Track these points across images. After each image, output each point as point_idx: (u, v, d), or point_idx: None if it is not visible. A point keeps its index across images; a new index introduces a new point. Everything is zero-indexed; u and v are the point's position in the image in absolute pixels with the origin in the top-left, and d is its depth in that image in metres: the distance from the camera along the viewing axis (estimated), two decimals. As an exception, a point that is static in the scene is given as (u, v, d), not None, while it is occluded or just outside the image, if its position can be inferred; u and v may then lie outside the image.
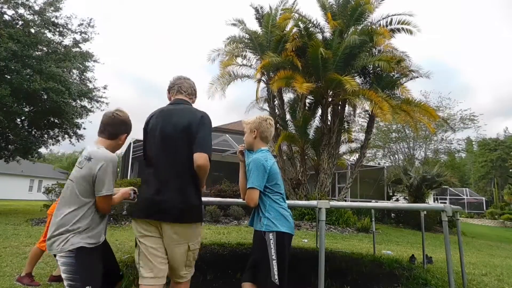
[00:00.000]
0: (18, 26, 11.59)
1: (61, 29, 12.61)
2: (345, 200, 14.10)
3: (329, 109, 11.59)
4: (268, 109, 12.55)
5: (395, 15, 10.86)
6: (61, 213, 1.90)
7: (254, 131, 2.31)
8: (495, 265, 6.14)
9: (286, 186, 11.30)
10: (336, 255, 5.59)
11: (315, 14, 17.59)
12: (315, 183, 11.48)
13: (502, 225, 21.53)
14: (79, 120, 13.30)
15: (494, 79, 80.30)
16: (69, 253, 1.84)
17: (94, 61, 13.71)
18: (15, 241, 5.87)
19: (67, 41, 13.04)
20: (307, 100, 11.81)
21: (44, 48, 12.04)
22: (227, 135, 15.78)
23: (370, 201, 15.31)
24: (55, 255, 1.91)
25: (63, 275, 1.82)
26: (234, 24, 12.38)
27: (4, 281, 3.49)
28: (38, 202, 20.99)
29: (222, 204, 9.95)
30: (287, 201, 2.37)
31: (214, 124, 2.33)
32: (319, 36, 11.26)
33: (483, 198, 30.63)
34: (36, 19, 11.93)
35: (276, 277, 2.05)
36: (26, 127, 12.70)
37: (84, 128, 13.68)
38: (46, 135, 13.28)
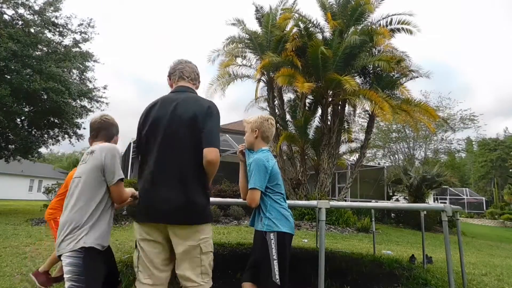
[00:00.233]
0: (18, 26, 11.59)
1: (61, 29, 12.61)
2: (345, 200, 14.10)
3: (329, 109, 11.60)
4: (268, 109, 12.56)
5: (395, 15, 10.87)
6: (71, 212, 1.90)
7: (256, 130, 2.31)
8: (495, 265, 6.14)
9: (286, 186, 11.30)
10: (336, 255, 5.59)
11: (315, 14, 17.62)
12: (315, 183, 11.48)
13: (502, 225, 21.53)
14: (79, 120, 13.31)
15: (494, 79, 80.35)
16: (77, 253, 1.82)
17: (94, 61, 13.72)
18: (15, 241, 5.87)
19: (67, 41, 13.05)
20: (307, 100, 11.82)
21: (44, 48, 12.04)
22: (227, 135, 15.77)
23: (370, 201, 15.31)
24: (60, 257, 1.88)
25: (67, 276, 1.80)
26: (234, 24, 12.40)
27: (4, 281, 3.49)
28: (38, 202, 21.00)
29: (222, 204, 9.95)
30: (287, 201, 2.37)
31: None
32: (319, 36, 11.27)
33: (483, 198, 30.63)
34: (36, 19, 11.93)
35: (277, 277, 2.05)
36: (26, 127, 12.71)
37: (84, 128, 13.69)
38: (46, 135, 13.29)
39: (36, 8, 11.87)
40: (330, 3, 11.41)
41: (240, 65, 12.69)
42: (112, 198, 1.99)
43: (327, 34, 11.36)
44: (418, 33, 10.80)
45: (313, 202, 2.68)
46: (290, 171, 12.36)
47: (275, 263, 2.07)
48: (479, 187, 41.10)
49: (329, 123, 11.40)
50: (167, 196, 1.75)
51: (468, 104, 77.95)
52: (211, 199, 2.08)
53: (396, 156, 27.75)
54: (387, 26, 11.02)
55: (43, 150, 14.06)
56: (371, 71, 11.48)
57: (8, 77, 10.77)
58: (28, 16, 11.89)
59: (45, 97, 11.40)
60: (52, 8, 12.12)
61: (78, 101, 13.04)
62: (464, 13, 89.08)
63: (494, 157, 38.80)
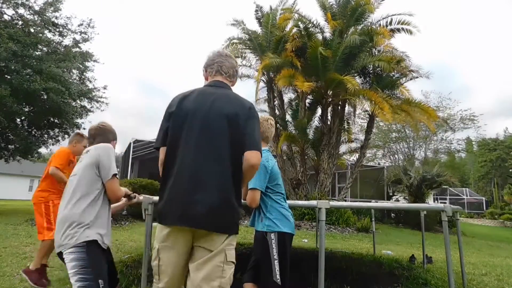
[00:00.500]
0: (18, 26, 11.59)
1: (61, 29, 12.62)
2: (345, 200, 14.10)
3: (329, 109, 11.61)
4: (268, 109, 12.57)
5: (395, 15, 10.88)
6: (66, 209, 1.92)
7: None
8: (495, 265, 6.14)
9: (286, 186, 11.30)
10: (336, 255, 5.59)
11: (315, 14, 17.61)
12: (315, 183, 11.48)
13: (502, 225, 21.52)
14: (79, 120, 13.30)
15: (495, 80, 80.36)
16: (79, 248, 1.82)
17: (94, 61, 13.73)
18: (15, 241, 5.87)
19: (67, 41, 13.05)
20: (307, 100, 11.82)
21: (44, 48, 12.04)
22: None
23: (370, 201, 15.31)
24: (61, 255, 1.88)
25: (73, 271, 1.79)
26: (233, 24, 12.42)
27: (4, 281, 3.49)
28: (38, 202, 20.94)
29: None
30: (287, 201, 2.37)
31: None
32: (319, 36, 11.27)
33: (483, 198, 30.63)
34: (36, 19, 11.94)
35: (278, 277, 2.06)
36: (26, 127, 12.71)
37: (84, 128, 13.67)
38: (46, 135, 13.29)
39: (36, 8, 11.88)
40: (330, 3, 11.42)
41: (240, 65, 12.71)
42: (107, 195, 2.02)
43: (327, 34, 11.37)
44: (419, 33, 10.83)
45: (313, 202, 2.69)
46: (290, 171, 12.37)
47: (276, 263, 2.08)
48: (479, 187, 41.10)
49: (329, 123, 11.41)
50: (203, 197, 1.53)
51: (468, 104, 78.01)
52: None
53: (396, 156, 27.79)
54: (387, 26, 11.03)
55: (43, 150, 14.08)
56: (371, 71, 11.49)
57: (8, 77, 10.77)
58: (28, 16, 11.89)
59: (45, 97, 11.40)
60: (52, 8, 12.12)
61: (78, 101, 13.04)
62: (464, 13, 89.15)
63: (494, 157, 38.78)
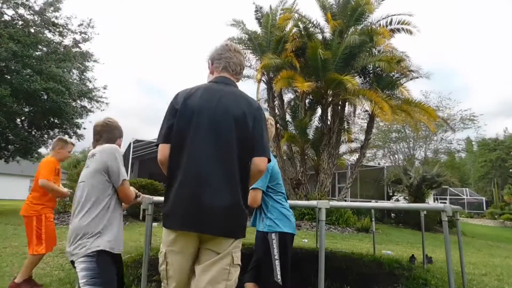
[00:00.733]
0: (18, 26, 11.59)
1: (61, 29, 12.63)
2: (345, 200, 14.10)
3: (329, 109, 11.61)
4: (268, 109, 12.57)
5: (395, 15, 10.88)
6: (77, 218, 1.90)
7: None
8: (495, 265, 6.14)
9: (286, 186, 11.30)
10: (336, 255, 5.59)
11: (315, 14, 17.63)
12: (315, 183, 11.48)
13: (502, 225, 21.52)
14: (79, 120, 13.33)
15: (495, 80, 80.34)
16: (90, 258, 1.81)
17: (94, 61, 13.75)
18: (15, 241, 5.87)
19: (67, 41, 13.07)
20: (307, 100, 11.82)
21: (44, 48, 12.05)
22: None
23: (370, 201, 15.31)
24: (73, 263, 1.88)
25: (83, 280, 1.79)
26: (233, 25, 12.41)
27: (4, 281, 3.49)
28: (38, 202, 20.93)
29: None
30: (288, 201, 2.38)
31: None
32: (319, 36, 11.28)
33: (483, 198, 30.61)
34: (36, 19, 11.95)
35: (279, 277, 2.06)
36: (26, 127, 12.72)
37: (84, 128, 13.71)
38: (46, 135, 13.30)
39: (36, 8, 11.90)
40: (330, 3, 11.42)
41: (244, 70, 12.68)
42: (120, 198, 2.02)
43: (327, 34, 11.37)
44: (419, 33, 10.84)
45: (313, 202, 2.69)
46: (290, 171, 12.37)
47: (277, 263, 2.08)
48: (479, 187, 41.09)
49: (329, 123, 11.41)
50: (211, 201, 1.47)
51: (468, 105, 78.00)
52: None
53: (396, 156, 27.78)
54: (387, 26, 11.03)
55: (43, 150, 14.09)
56: (371, 71, 11.49)
57: (8, 77, 10.79)
58: (28, 16, 11.91)
59: (45, 97, 11.41)
60: (52, 8, 12.14)
61: (78, 101, 13.06)
62: (464, 13, 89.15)
63: (494, 157, 38.78)
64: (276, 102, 12.49)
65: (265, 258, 2.13)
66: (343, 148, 13.05)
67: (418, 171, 14.93)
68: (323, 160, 11.19)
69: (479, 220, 23.92)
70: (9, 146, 12.59)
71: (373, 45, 10.65)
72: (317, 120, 11.91)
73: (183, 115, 1.59)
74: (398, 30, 11.10)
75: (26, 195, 3.34)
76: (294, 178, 11.71)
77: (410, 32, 10.93)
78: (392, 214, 14.31)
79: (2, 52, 10.00)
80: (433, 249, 7.64)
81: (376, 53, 10.90)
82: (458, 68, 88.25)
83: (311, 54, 10.04)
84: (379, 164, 24.67)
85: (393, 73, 11.17)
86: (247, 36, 12.20)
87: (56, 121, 12.78)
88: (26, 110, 12.03)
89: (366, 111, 12.13)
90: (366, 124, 13.01)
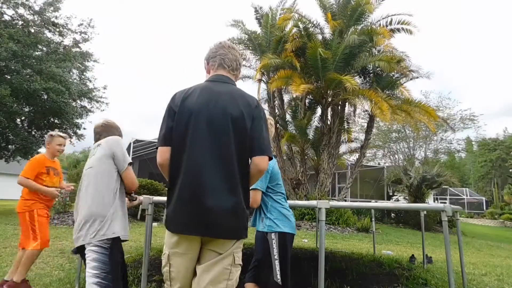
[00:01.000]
0: (18, 26, 11.59)
1: (61, 29, 12.63)
2: (345, 200, 14.10)
3: (329, 109, 11.61)
4: (268, 109, 12.57)
5: (395, 15, 10.88)
6: (89, 203, 1.96)
7: None
8: (495, 265, 6.14)
9: (286, 186, 11.30)
10: (336, 255, 5.59)
11: (315, 14, 17.62)
12: (315, 183, 11.49)
13: (502, 225, 21.52)
14: (79, 120, 13.32)
15: (495, 80, 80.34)
16: (104, 249, 1.85)
17: (94, 61, 13.74)
18: (15, 241, 5.87)
19: (67, 41, 13.07)
20: (307, 100, 11.82)
21: (44, 48, 12.05)
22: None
23: (370, 201, 15.32)
24: (80, 251, 1.89)
25: (93, 272, 1.80)
26: (233, 25, 12.41)
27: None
28: (38, 202, 20.92)
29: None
30: (287, 201, 2.38)
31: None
32: (319, 36, 11.27)
33: (483, 198, 30.62)
34: (36, 19, 11.95)
35: (278, 277, 2.06)
36: (26, 127, 12.71)
37: (84, 128, 13.70)
38: (46, 135, 13.28)
39: (36, 8, 11.89)
40: (330, 3, 11.42)
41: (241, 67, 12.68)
42: (125, 185, 2.09)
43: (327, 35, 11.37)
44: (419, 33, 10.90)
45: (313, 202, 2.68)
46: (290, 171, 12.37)
47: (277, 263, 2.08)
48: (479, 187, 41.10)
49: (329, 123, 11.41)
50: (214, 204, 1.47)
51: (468, 104, 78.02)
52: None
53: (396, 156, 27.78)
54: (387, 26, 11.03)
55: (43, 150, 14.07)
56: (371, 71, 11.50)
57: (8, 77, 10.78)
58: (28, 16, 11.90)
59: (45, 97, 11.41)
60: (52, 8, 12.13)
61: (78, 101, 13.05)
62: (465, 13, 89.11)
63: (494, 157, 38.79)
64: (276, 102, 12.50)
65: (265, 258, 2.13)
66: (343, 148, 13.07)
67: (418, 171, 14.93)
68: (323, 160, 11.19)
69: (479, 220, 23.92)
70: (9, 146, 12.59)
71: (373, 45, 10.65)
72: (317, 120, 11.91)
73: (181, 117, 1.58)
74: (398, 30, 11.10)
75: (23, 193, 3.28)
76: (294, 178, 11.71)
77: (410, 32, 10.93)
78: (392, 214, 14.31)
79: (2, 52, 9.99)
80: (433, 249, 7.64)
81: (376, 53, 10.91)
82: (458, 68, 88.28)
83: (311, 54, 10.04)
84: (379, 164, 24.68)
85: (393, 73, 11.17)
86: (246, 36, 12.21)
87: (56, 121, 12.78)
88: (26, 110, 12.03)
89: (366, 111, 12.14)
90: (366, 124, 13.02)
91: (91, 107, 13.79)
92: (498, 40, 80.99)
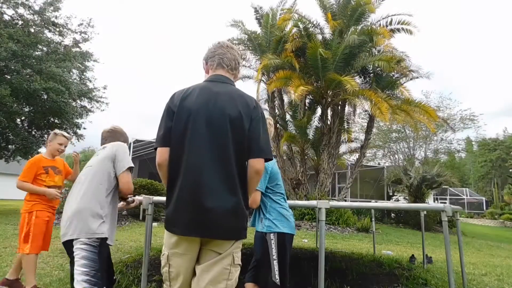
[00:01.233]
0: (18, 26, 11.59)
1: (61, 29, 12.62)
2: (345, 200, 14.10)
3: (329, 109, 11.61)
4: (268, 109, 12.57)
5: (395, 15, 10.89)
6: (82, 199, 1.99)
7: None
8: (495, 265, 6.14)
9: (286, 186, 11.30)
10: (336, 255, 5.59)
11: (315, 14, 17.62)
12: (315, 183, 11.48)
13: (502, 225, 21.52)
14: (79, 120, 13.30)
15: (496, 79, 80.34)
16: (93, 247, 1.89)
17: (94, 61, 13.74)
18: (15, 241, 5.86)
19: (67, 41, 13.06)
20: (307, 100, 11.82)
21: (44, 48, 12.05)
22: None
23: (370, 201, 15.31)
24: (66, 247, 1.92)
25: (82, 269, 1.83)
26: (233, 25, 12.42)
27: (4, 281, 3.48)
28: (38, 202, 20.90)
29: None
30: (287, 201, 2.38)
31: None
32: (319, 37, 11.27)
33: (483, 198, 30.61)
34: (36, 19, 11.94)
35: (277, 277, 2.06)
36: (26, 127, 12.71)
37: (84, 128, 13.70)
38: (46, 135, 13.28)
39: (36, 8, 11.89)
40: (330, 3, 11.42)
41: (241, 66, 12.66)
42: (120, 187, 2.10)
43: (327, 35, 11.37)
44: (420, 33, 10.90)
45: (313, 202, 2.68)
46: (290, 171, 12.37)
47: (275, 263, 2.08)
48: (479, 187, 41.10)
49: (329, 123, 11.41)
50: (213, 205, 1.48)
51: (468, 104, 78.02)
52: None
53: (396, 156, 27.79)
54: (387, 26, 11.03)
55: (43, 150, 14.08)
56: (371, 71, 11.49)
57: (8, 77, 10.78)
58: (28, 16, 11.90)
59: (45, 97, 11.40)
60: (51, 8, 12.13)
61: (78, 101, 13.04)
62: (465, 13, 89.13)
63: (494, 157, 38.79)
64: (276, 102, 12.50)
65: (264, 259, 2.13)
66: (343, 148, 13.07)
67: (418, 171, 14.93)
68: (323, 160, 11.19)
69: (479, 220, 23.92)
70: (9, 146, 12.58)
71: (373, 45, 10.65)
72: (317, 120, 11.91)
73: (180, 118, 1.58)
74: (398, 30, 11.11)
75: (25, 195, 3.23)
76: (294, 178, 11.71)
77: (410, 32, 10.94)
78: (392, 214, 14.31)
79: (2, 52, 9.98)
80: (433, 249, 7.64)
81: (376, 53, 10.90)
82: (458, 68, 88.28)
83: (311, 54, 10.04)
84: (379, 164, 24.68)
85: (393, 73, 11.18)
86: (246, 36, 12.21)
87: (56, 121, 12.76)
88: (26, 110, 12.02)
89: (366, 111, 12.14)
90: (366, 124, 13.02)
91: (91, 107, 13.78)
92: (498, 40, 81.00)
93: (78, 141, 13.77)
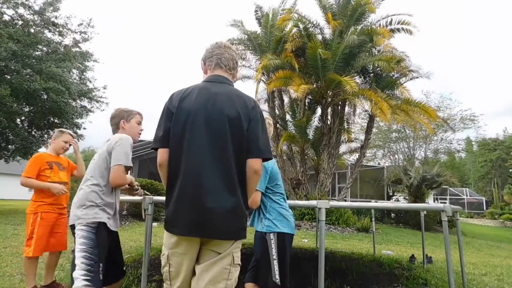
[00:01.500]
0: (18, 26, 11.59)
1: (61, 29, 12.63)
2: (345, 200, 14.10)
3: (329, 109, 11.60)
4: (268, 109, 12.57)
5: (394, 15, 10.88)
6: (83, 189, 2.14)
7: None
8: (495, 265, 6.14)
9: (286, 186, 11.30)
10: (336, 255, 5.59)
11: (315, 14, 17.61)
12: (315, 183, 11.48)
13: (502, 225, 21.52)
14: (79, 120, 13.30)
15: (496, 79, 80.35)
16: (91, 228, 2.02)
17: (94, 60, 13.74)
18: (15, 241, 5.87)
19: (67, 41, 13.06)
20: (307, 100, 11.82)
21: (44, 48, 12.05)
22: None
23: (370, 201, 15.31)
24: (73, 228, 2.08)
25: (81, 247, 1.97)
26: (233, 25, 12.41)
27: (4, 281, 3.49)
28: (38, 202, 20.90)
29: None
30: (287, 201, 2.38)
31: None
32: (319, 37, 11.26)
33: (483, 198, 30.60)
34: (36, 19, 11.95)
35: (277, 277, 2.06)
36: (26, 127, 12.71)
37: (84, 128, 13.70)
38: (46, 135, 13.28)
39: (36, 8, 11.89)
40: (330, 3, 11.42)
41: (240, 66, 12.70)
42: (110, 178, 2.14)
43: (327, 35, 11.37)
44: (420, 33, 10.89)
45: (313, 202, 2.68)
46: (290, 171, 12.37)
47: (275, 263, 2.08)
48: (479, 187, 41.09)
49: (329, 123, 11.41)
50: (213, 205, 1.48)
51: (468, 104, 78.01)
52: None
53: (396, 156, 27.81)
54: (387, 26, 11.03)
55: (43, 150, 14.08)
56: (371, 71, 11.49)
57: (8, 77, 10.78)
58: (28, 16, 11.90)
59: (45, 97, 11.41)
60: (51, 8, 12.13)
61: (78, 101, 13.04)
62: (464, 13, 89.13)
63: (494, 157, 38.78)
64: (276, 102, 12.50)
65: (264, 259, 2.13)
66: (343, 148, 13.06)
67: (418, 171, 14.93)
68: (323, 160, 11.19)
69: (479, 220, 23.92)
70: (9, 146, 12.58)
71: (373, 45, 10.64)
72: (317, 120, 11.91)
73: (179, 119, 1.58)
74: (398, 30, 11.10)
75: (26, 195, 3.22)
76: (294, 178, 11.71)
77: (410, 32, 10.93)
78: (392, 214, 14.31)
79: (2, 52, 9.98)
80: (433, 249, 7.64)
81: (376, 53, 10.90)
82: (459, 68, 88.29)
83: (310, 54, 10.03)
84: (379, 164, 24.69)
85: (392, 73, 11.17)
86: (246, 36, 12.21)
87: (56, 121, 12.76)
88: (26, 110, 12.03)
89: (366, 111, 12.14)
90: (366, 124, 13.02)
91: (91, 107, 13.78)
92: (498, 41, 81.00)
93: (78, 141, 13.71)
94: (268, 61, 10.23)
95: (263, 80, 12.40)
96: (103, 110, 14.18)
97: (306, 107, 11.75)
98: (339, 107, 11.71)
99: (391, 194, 17.95)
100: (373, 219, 6.43)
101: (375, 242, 6.22)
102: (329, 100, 11.37)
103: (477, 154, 41.96)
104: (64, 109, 11.67)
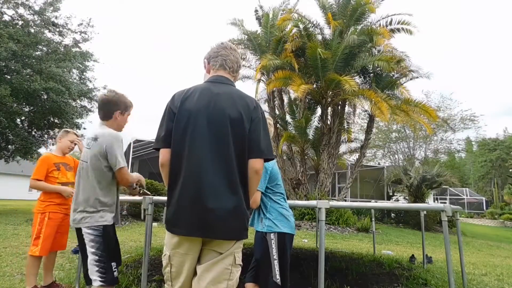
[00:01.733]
0: (18, 26, 11.59)
1: (61, 29, 12.63)
2: (345, 200, 14.10)
3: (329, 109, 11.60)
4: (267, 109, 12.57)
5: (394, 15, 10.87)
6: (82, 191, 2.14)
7: None
8: (495, 265, 6.14)
9: (286, 186, 11.30)
10: (336, 255, 5.59)
11: (315, 14, 17.60)
12: (315, 183, 11.48)
13: (502, 225, 21.53)
14: (79, 120, 13.30)
15: (496, 79, 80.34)
16: (98, 231, 2.07)
17: (94, 60, 13.74)
18: (15, 241, 5.87)
19: (67, 41, 13.06)
20: (307, 100, 11.82)
21: (44, 48, 12.05)
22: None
23: (370, 201, 15.32)
24: (78, 230, 2.12)
25: (92, 250, 2.04)
26: (233, 24, 12.40)
27: (4, 281, 3.49)
28: (38, 202, 20.92)
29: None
30: (287, 201, 2.38)
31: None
32: (319, 37, 11.26)
33: (483, 198, 30.62)
34: (36, 19, 11.95)
35: (278, 277, 2.06)
36: (26, 127, 12.70)
37: (84, 128, 13.70)
38: (46, 135, 13.29)
39: (36, 8, 11.89)
40: (330, 3, 11.41)
41: (241, 67, 12.68)
42: (118, 181, 2.20)
43: (327, 35, 11.36)
44: (420, 33, 10.88)
45: (313, 202, 2.68)
46: (290, 171, 12.36)
47: (276, 263, 2.08)
48: (479, 187, 41.09)
49: (329, 123, 11.40)
50: (214, 205, 1.49)
51: (468, 104, 77.99)
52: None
53: (396, 156, 27.81)
54: (387, 26, 11.02)
55: (42, 150, 14.09)
56: (371, 71, 11.48)
57: (8, 77, 10.78)
58: (28, 16, 11.90)
59: (45, 97, 11.41)
60: (51, 8, 12.13)
61: (78, 101, 13.05)
62: (464, 13, 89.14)
63: (494, 157, 38.78)
64: (276, 102, 12.49)
65: (264, 259, 2.13)
66: (343, 148, 13.05)
67: (418, 171, 14.93)
68: (323, 160, 11.18)
69: (479, 220, 23.93)
70: (9, 146, 12.58)
71: (373, 45, 10.63)
72: (317, 120, 11.90)
73: (181, 119, 1.58)
74: (398, 30, 11.09)
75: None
76: (294, 178, 11.70)
77: (410, 32, 10.92)
78: (392, 214, 14.32)
79: (2, 52, 9.98)
80: (433, 249, 7.64)
81: (376, 53, 10.88)
82: (459, 68, 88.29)
83: (310, 54, 10.03)
84: (379, 164, 24.69)
85: (392, 73, 11.15)
86: (246, 36, 12.21)
87: (56, 121, 12.76)
88: (26, 110, 12.03)
89: (366, 111, 12.12)
90: (366, 124, 13.02)
91: (91, 107, 13.78)
92: (498, 41, 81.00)
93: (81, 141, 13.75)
94: (268, 61, 10.23)
95: (263, 80, 12.40)
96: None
97: (306, 107, 11.74)
98: (339, 107, 11.70)
99: (391, 194, 17.96)
100: (373, 219, 6.42)
101: (375, 242, 6.22)
102: (329, 100, 11.36)
103: (477, 154, 41.96)
104: (64, 109, 11.67)
